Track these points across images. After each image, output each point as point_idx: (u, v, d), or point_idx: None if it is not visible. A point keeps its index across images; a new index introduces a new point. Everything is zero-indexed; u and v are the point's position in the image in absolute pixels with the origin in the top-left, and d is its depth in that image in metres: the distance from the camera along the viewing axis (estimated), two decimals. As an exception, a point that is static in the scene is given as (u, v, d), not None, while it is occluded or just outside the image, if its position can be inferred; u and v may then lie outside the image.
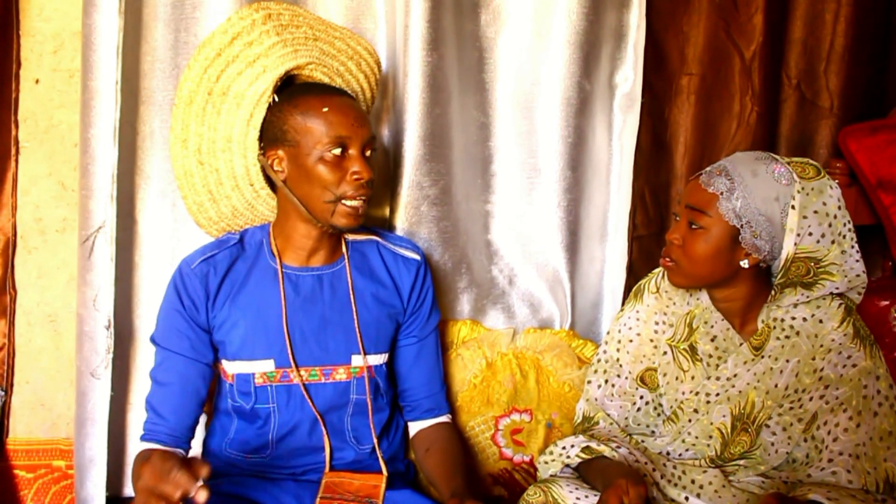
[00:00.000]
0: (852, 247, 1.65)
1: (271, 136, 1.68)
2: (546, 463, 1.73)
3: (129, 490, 2.02)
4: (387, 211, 2.07)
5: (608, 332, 1.87)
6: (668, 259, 1.68)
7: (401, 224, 2.02)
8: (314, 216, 1.69)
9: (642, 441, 1.74)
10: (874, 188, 2.11)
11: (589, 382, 1.83)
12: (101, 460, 1.85)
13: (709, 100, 2.19)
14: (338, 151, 1.65)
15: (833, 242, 1.62)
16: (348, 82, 1.82)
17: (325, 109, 1.64)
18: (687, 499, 1.62)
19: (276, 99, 1.67)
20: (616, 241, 2.20)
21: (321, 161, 1.65)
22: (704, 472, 1.65)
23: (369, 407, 1.78)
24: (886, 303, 2.03)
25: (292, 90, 1.68)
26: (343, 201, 1.66)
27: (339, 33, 1.79)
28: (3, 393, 2.00)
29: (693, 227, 1.64)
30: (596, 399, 1.80)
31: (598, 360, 1.84)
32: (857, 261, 1.66)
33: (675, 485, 1.64)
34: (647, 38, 2.12)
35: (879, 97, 2.30)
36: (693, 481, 1.64)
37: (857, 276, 1.66)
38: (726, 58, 2.18)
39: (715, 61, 2.18)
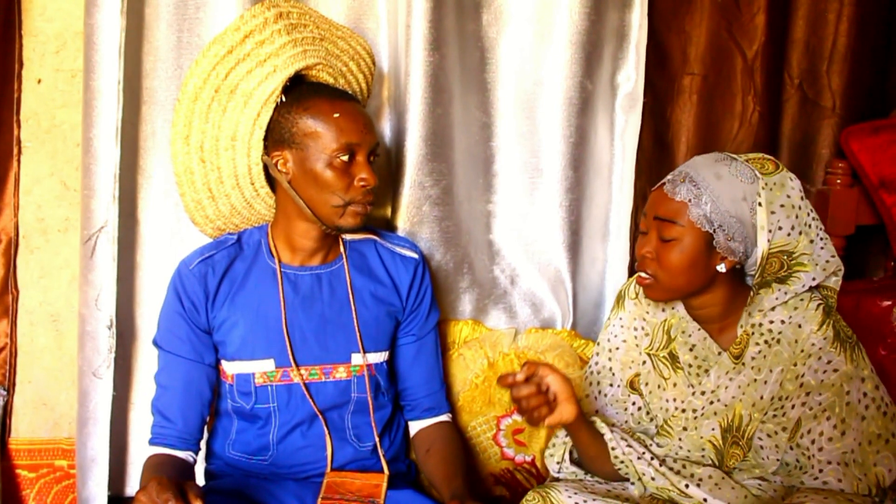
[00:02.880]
0: (818, 234, 1.62)
1: (277, 136, 1.68)
2: (552, 455, 1.73)
3: (130, 490, 2.03)
4: (388, 211, 2.07)
5: (598, 343, 1.84)
6: (644, 276, 1.64)
7: (402, 224, 2.02)
8: (320, 218, 1.69)
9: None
10: (876, 188, 2.11)
11: (586, 396, 1.82)
12: (102, 460, 1.86)
13: (711, 99, 2.19)
14: (346, 158, 1.65)
15: (801, 234, 1.59)
16: (350, 83, 1.82)
17: (337, 115, 1.65)
18: (687, 486, 1.61)
19: (284, 99, 1.67)
20: (618, 241, 2.20)
21: (329, 166, 1.65)
22: (703, 466, 1.65)
23: (370, 405, 1.78)
24: (888, 303, 2.04)
25: (301, 92, 1.68)
26: (350, 205, 1.67)
27: (342, 32, 1.79)
28: (5, 392, 2.00)
29: (665, 239, 1.59)
30: (597, 410, 1.80)
31: (591, 373, 1.82)
32: (823, 248, 1.63)
33: (677, 472, 1.63)
34: (649, 38, 2.12)
35: (882, 97, 2.30)
36: (692, 475, 1.64)
37: (828, 260, 1.62)
38: (728, 57, 2.18)
39: (717, 61, 2.18)
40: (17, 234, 1.98)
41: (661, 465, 1.63)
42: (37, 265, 2.00)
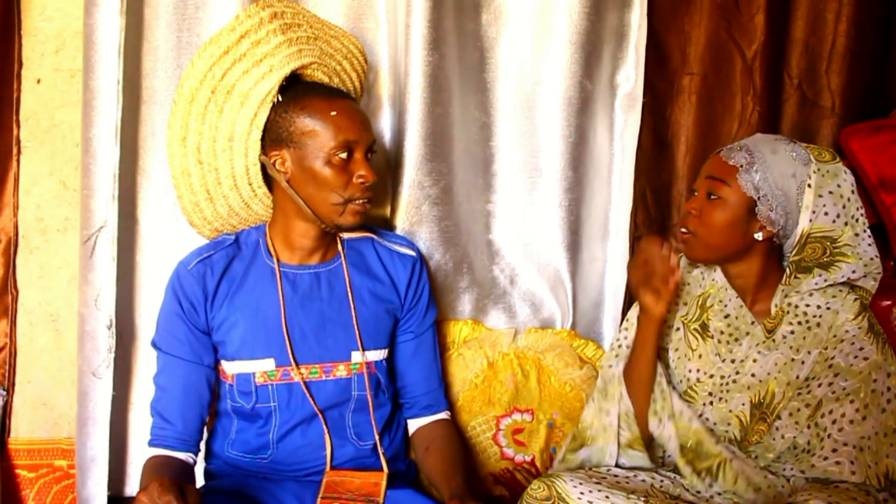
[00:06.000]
0: (864, 230, 1.70)
1: (275, 136, 1.68)
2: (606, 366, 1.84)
3: (130, 490, 2.03)
4: (388, 210, 2.07)
5: (627, 319, 1.90)
6: (684, 230, 1.73)
7: (402, 224, 2.02)
8: (319, 216, 1.69)
9: None
10: (876, 188, 2.11)
11: (609, 367, 1.85)
12: (102, 460, 1.86)
13: (710, 99, 2.19)
14: (344, 155, 1.66)
15: (846, 224, 1.67)
16: (344, 81, 1.82)
17: (334, 113, 1.65)
18: (717, 443, 1.67)
19: (280, 99, 1.67)
20: (617, 241, 2.20)
21: (328, 164, 1.65)
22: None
23: (370, 403, 1.78)
24: (888, 302, 2.04)
25: (297, 91, 1.68)
26: (350, 203, 1.67)
27: (334, 31, 1.80)
28: (4, 392, 2.00)
29: (712, 197, 1.69)
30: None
31: (620, 346, 1.87)
32: (870, 245, 1.70)
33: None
34: (649, 38, 2.12)
35: (881, 97, 2.30)
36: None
37: (871, 259, 1.70)
38: (728, 57, 2.18)
39: (716, 61, 2.18)
40: (16, 234, 1.98)
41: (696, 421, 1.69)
42: (36, 265, 2.00)
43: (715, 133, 2.21)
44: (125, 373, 1.98)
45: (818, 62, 2.25)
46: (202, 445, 1.79)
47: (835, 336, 1.66)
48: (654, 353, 1.74)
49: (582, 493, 1.56)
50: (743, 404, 1.69)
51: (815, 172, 1.66)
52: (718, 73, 2.19)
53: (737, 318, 1.75)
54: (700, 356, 1.76)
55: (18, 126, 1.96)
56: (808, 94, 2.26)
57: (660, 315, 1.70)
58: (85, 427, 1.85)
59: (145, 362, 1.98)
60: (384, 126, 2.07)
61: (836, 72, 2.24)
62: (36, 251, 2.00)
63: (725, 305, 1.77)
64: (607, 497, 1.55)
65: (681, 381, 1.77)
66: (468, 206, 2.09)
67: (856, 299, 1.68)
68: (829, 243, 1.66)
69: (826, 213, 1.65)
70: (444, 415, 1.91)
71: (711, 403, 1.72)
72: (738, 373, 1.71)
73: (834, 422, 1.61)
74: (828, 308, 1.68)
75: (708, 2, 2.15)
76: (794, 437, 1.65)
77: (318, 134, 1.65)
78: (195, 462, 1.74)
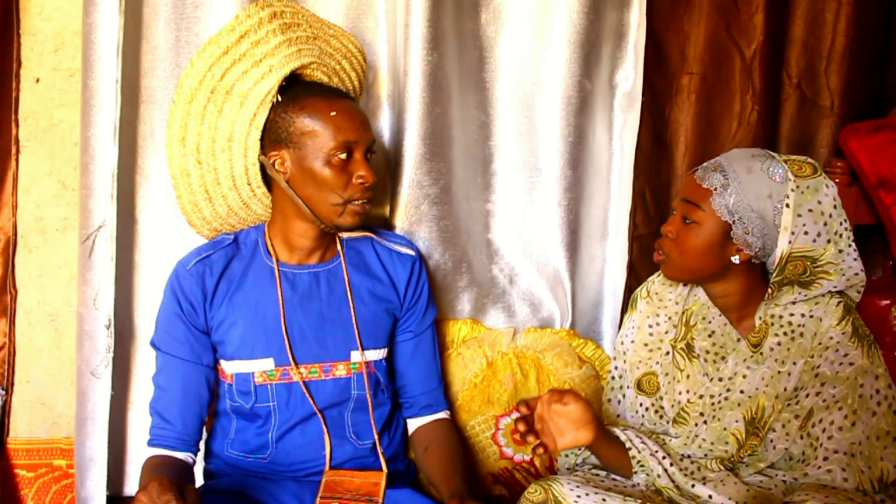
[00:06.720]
0: (849, 245, 1.65)
1: (274, 136, 1.68)
2: (566, 456, 1.77)
3: (129, 489, 2.03)
4: (387, 210, 2.07)
5: (615, 349, 1.89)
6: (660, 252, 1.71)
7: (401, 223, 2.02)
8: (319, 217, 1.69)
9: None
10: (875, 187, 2.11)
11: (608, 401, 1.86)
12: (101, 459, 1.86)
13: (709, 99, 2.19)
14: (343, 155, 1.66)
15: (829, 241, 1.62)
16: (343, 81, 1.82)
17: (333, 114, 1.65)
18: (693, 486, 1.63)
19: (280, 99, 1.67)
20: (617, 241, 2.20)
21: (327, 164, 1.65)
22: (716, 471, 1.66)
23: (369, 403, 1.78)
24: (887, 302, 2.03)
25: (296, 91, 1.68)
26: (349, 203, 1.67)
27: (333, 31, 1.80)
28: (3, 392, 2.00)
29: (686, 221, 1.65)
30: (618, 415, 1.82)
31: (612, 378, 1.87)
32: (855, 259, 1.66)
33: (690, 474, 1.65)
34: (648, 37, 2.11)
35: (880, 96, 2.29)
36: (699, 468, 1.66)
37: (856, 274, 1.66)
38: (727, 57, 2.18)
39: (715, 60, 2.17)
40: (15, 234, 1.98)
41: (671, 466, 1.65)
42: (35, 264, 2.00)
43: (714, 132, 2.21)
44: (124, 372, 1.98)
45: (817, 61, 2.24)
46: (201, 445, 1.79)
47: (819, 343, 1.64)
48: (610, 451, 1.67)
49: (578, 497, 1.55)
50: (737, 421, 1.66)
51: (793, 191, 1.59)
52: (717, 73, 2.18)
53: (722, 335, 1.72)
54: (688, 376, 1.73)
55: (17, 125, 1.96)
56: (808, 93, 2.25)
57: (588, 441, 1.59)
58: (84, 427, 1.86)
59: (144, 362, 1.98)
60: (383, 125, 2.07)
61: (836, 71, 2.23)
62: (35, 251, 2.00)
63: (710, 323, 1.74)
64: (604, 500, 1.55)
65: (672, 406, 1.74)
66: (467, 206, 2.09)
67: (839, 303, 1.66)
68: (809, 263, 1.61)
69: (806, 233, 1.60)
70: (443, 414, 1.91)
71: (705, 423, 1.69)
72: (728, 390, 1.68)
73: (824, 430, 1.59)
74: (811, 316, 1.66)
75: (707, 1, 2.14)
76: (787, 448, 1.64)
77: (317, 134, 1.65)
78: (194, 462, 1.74)
